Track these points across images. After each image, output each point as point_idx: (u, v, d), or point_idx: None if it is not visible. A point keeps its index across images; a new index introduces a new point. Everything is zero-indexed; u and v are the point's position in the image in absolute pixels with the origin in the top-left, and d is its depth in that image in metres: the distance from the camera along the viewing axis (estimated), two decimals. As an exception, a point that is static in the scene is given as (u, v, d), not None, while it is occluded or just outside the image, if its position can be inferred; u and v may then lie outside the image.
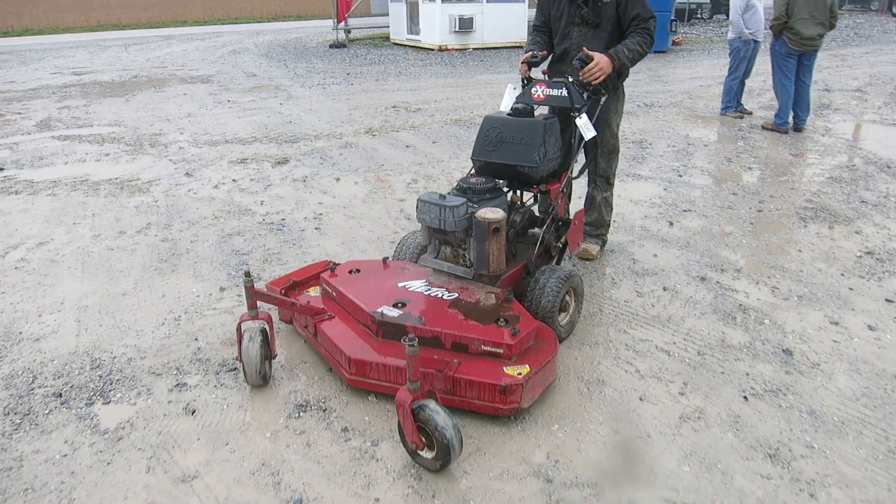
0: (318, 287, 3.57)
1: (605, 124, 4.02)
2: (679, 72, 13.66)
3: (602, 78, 3.61)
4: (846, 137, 7.92)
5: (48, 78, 13.93)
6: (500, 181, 3.51)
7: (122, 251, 4.66)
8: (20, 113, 9.91)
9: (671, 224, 5.11)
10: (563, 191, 3.69)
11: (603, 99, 3.85)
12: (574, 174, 3.87)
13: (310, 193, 5.93)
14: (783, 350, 3.39)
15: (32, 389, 3.07)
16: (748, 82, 9.20)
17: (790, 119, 8.01)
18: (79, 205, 5.65)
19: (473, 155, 3.64)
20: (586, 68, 3.60)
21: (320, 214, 5.38)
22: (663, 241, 4.77)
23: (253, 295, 2.93)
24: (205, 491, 2.46)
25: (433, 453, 2.50)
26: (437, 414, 2.42)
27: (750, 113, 8.92)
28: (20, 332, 3.58)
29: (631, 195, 5.75)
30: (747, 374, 3.19)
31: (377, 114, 9.50)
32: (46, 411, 2.91)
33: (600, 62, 3.58)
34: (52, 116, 9.58)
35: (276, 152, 7.37)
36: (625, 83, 4.16)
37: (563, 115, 3.73)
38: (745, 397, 3.02)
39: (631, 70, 4.00)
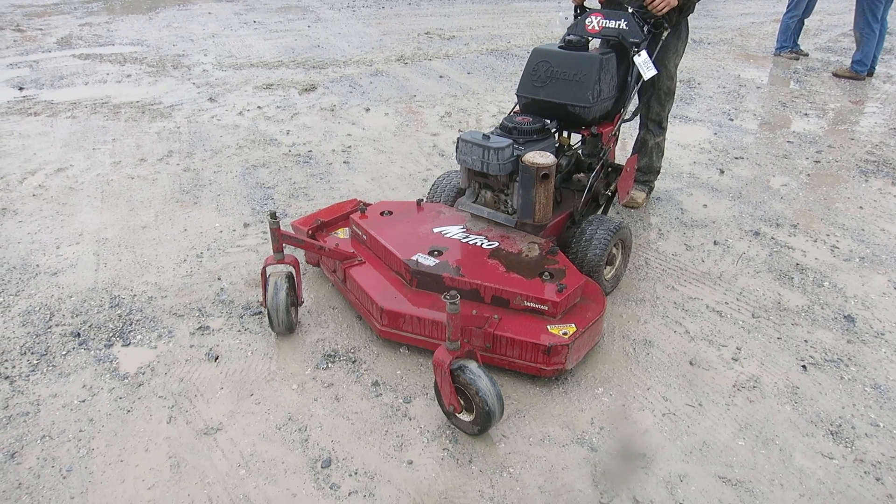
0: (346, 228, 3.36)
1: (662, 65, 3.66)
2: (729, 6, 12.88)
3: (667, 9, 3.25)
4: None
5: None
6: (549, 121, 3.22)
7: (142, 180, 4.47)
8: (41, 29, 9.61)
9: (722, 172, 4.79)
10: (614, 134, 3.40)
11: (664, 34, 3.49)
12: (626, 116, 3.56)
13: (338, 124, 5.65)
14: (844, 316, 3.15)
15: (50, 328, 2.93)
16: (806, 21, 8.57)
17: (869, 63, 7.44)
18: (99, 129, 5.44)
19: (519, 91, 3.34)
20: None
21: (349, 147, 5.12)
22: (713, 191, 4.48)
23: (279, 238, 2.73)
24: (229, 445, 2.33)
25: (472, 417, 2.33)
26: (480, 378, 2.24)
27: (806, 54, 8.36)
28: (37, 265, 3.43)
29: (679, 139, 5.40)
30: (806, 341, 2.97)
31: (409, 40, 9.07)
32: (64, 352, 2.78)
33: None
34: (74, 33, 9.27)
35: (303, 78, 7.06)
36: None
37: (620, 51, 3.40)
38: (804, 366, 2.80)
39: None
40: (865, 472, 2.29)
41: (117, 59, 7.83)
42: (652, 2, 3.25)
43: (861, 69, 7.34)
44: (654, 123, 3.96)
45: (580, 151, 3.48)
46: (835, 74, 7.52)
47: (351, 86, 6.82)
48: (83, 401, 2.52)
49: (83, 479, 2.19)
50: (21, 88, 6.57)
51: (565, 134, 3.43)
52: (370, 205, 3.37)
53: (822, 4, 9.54)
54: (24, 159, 4.79)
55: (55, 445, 2.32)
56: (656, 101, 3.87)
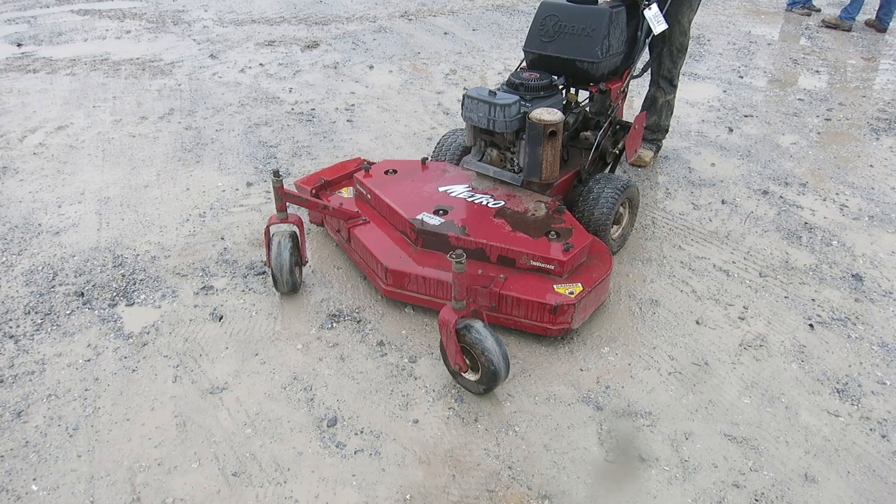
0: (350, 188, 3.32)
1: (675, 20, 3.57)
2: (738, -41, 12.56)
3: None
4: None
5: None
6: (556, 77, 3.15)
7: (143, 138, 4.42)
8: (37, -16, 9.42)
9: (731, 130, 4.71)
10: (623, 91, 3.33)
11: (676, -13, 3.40)
12: (636, 72, 3.48)
13: (341, 82, 5.56)
14: (853, 275, 3.12)
15: (53, 287, 2.92)
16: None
17: (856, 15, 7.29)
18: (99, 86, 5.36)
19: (526, 46, 3.26)
20: None
21: (352, 105, 5.05)
22: (722, 149, 4.41)
23: (282, 196, 2.69)
24: (234, 404, 2.33)
25: (477, 376, 2.33)
26: (485, 338, 2.22)
27: (818, 10, 8.14)
28: (39, 224, 3.41)
29: (687, 97, 5.30)
30: (813, 300, 2.95)
31: (412, -4, 8.86)
32: (68, 311, 2.77)
33: None
34: (71, -12, 9.08)
35: (305, 35, 6.93)
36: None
37: (630, 4, 3.30)
38: (811, 325, 2.79)
39: None
40: (871, 430, 2.29)
41: (116, 14, 7.69)
42: None
43: (845, 16, 7.31)
44: (665, 80, 3.87)
45: (588, 108, 3.42)
46: (823, 22, 7.49)
47: (354, 42, 6.69)
48: (88, 360, 2.52)
49: (90, 437, 2.20)
50: (19, 45, 6.47)
51: (573, 90, 3.37)
52: (374, 163, 3.32)
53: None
54: (23, 117, 4.73)
55: (61, 404, 2.33)
56: (668, 57, 3.78)
